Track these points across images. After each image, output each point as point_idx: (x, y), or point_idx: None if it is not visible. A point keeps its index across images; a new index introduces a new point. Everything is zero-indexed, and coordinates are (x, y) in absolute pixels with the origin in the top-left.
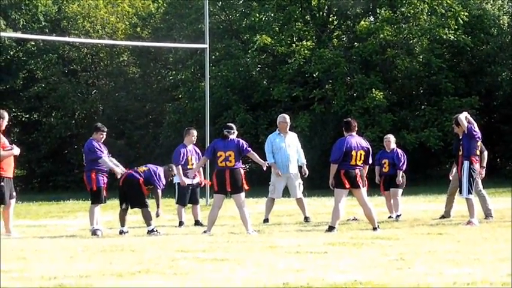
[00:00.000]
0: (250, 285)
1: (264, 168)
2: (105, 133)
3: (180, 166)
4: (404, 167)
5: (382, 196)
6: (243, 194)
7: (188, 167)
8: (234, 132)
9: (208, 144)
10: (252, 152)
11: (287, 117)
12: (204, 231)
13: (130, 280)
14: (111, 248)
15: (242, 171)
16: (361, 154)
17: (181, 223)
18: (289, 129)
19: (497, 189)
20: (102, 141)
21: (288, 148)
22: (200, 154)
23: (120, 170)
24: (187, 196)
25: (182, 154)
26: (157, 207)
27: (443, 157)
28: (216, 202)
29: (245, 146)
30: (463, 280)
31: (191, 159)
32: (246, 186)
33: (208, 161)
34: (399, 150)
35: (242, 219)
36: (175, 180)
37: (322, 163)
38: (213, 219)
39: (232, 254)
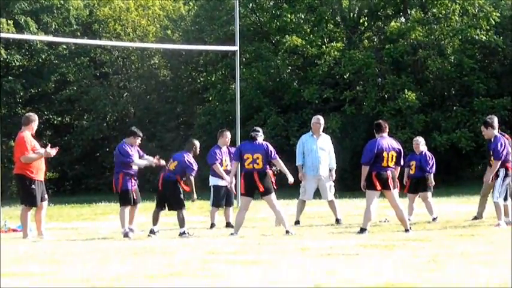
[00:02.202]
0: (281, 287)
1: (290, 180)
2: (140, 138)
3: (218, 164)
4: (433, 170)
5: (417, 198)
6: (273, 195)
7: (222, 168)
8: (261, 135)
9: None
10: (278, 159)
11: (321, 118)
12: (231, 234)
13: (162, 282)
14: (142, 250)
15: (270, 173)
16: (392, 155)
17: (212, 225)
18: (322, 131)
19: None
20: (136, 145)
21: (320, 150)
22: None
23: (152, 160)
24: (221, 198)
25: (218, 154)
26: (192, 192)
27: (475, 158)
28: (243, 205)
29: (273, 152)
30: (495, 281)
31: (225, 160)
32: (274, 186)
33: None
34: (428, 153)
35: (279, 219)
36: (211, 182)
37: (354, 165)
38: (240, 222)
39: (263, 256)
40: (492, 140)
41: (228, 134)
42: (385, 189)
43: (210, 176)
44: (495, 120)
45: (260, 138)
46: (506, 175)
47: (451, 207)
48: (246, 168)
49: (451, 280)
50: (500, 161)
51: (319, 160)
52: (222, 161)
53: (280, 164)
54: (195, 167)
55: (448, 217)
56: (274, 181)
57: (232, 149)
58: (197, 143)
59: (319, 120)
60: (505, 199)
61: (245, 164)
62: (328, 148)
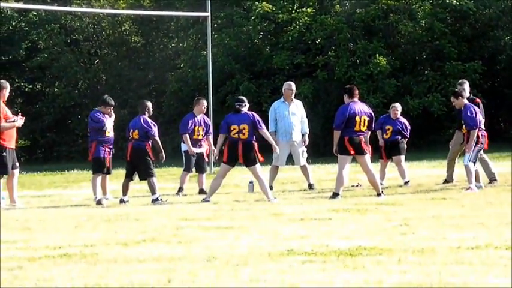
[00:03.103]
0: (254, 252)
1: (277, 151)
2: (111, 107)
3: (187, 135)
4: (408, 134)
5: (390, 162)
6: (258, 165)
7: (194, 137)
8: (245, 105)
9: (211, 117)
10: (265, 129)
11: (292, 84)
12: (204, 199)
13: (135, 249)
14: (115, 217)
15: (255, 144)
16: (364, 120)
17: (180, 189)
18: (294, 97)
19: (501, 154)
20: (108, 114)
21: (292, 116)
22: (209, 125)
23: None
24: (192, 163)
25: (190, 124)
26: (160, 151)
27: (447, 122)
28: (221, 172)
29: (260, 122)
30: (467, 244)
31: (198, 129)
32: (260, 158)
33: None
34: (404, 120)
35: (262, 189)
36: (183, 148)
37: (326, 130)
38: (215, 188)
39: (236, 222)
40: (463, 109)
41: (205, 102)
42: (358, 154)
43: (182, 142)
44: (466, 86)
45: (245, 108)
46: (476, 142)
47: (422, 171)
48: (231, 137)
49: (423, 243)
50: (477, 129)
51: (291, 126)
52: (194, 130)
53: (267, 135)
54: (155, 127)
55: (419, 181)
56: (258, 153)
57: (206, 118)
58: (149, 104)
59: (290, 86)
60: (474, 163)
61: (231, 134)
62: (301, 113)
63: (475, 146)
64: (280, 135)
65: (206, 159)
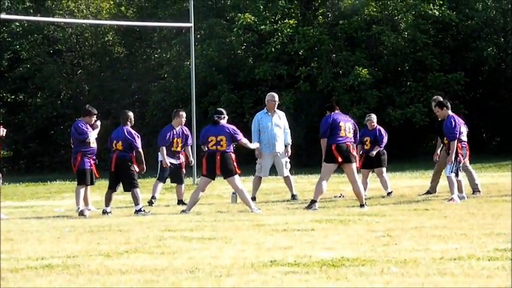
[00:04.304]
0: (238, 263)
1: (255, 146)
2: (95, 115)
3: (164, 147)
4: (383, 144)
5: (372, 173)
6: (237, 177)
7: (172, 149)
8: (224, 117)
9: (194, 128)
10: (243, 140)
11: (276, 96)
12: (183, 211)
13: (118, 260)
14: (98, 228)
15: (233, 156)
16: (349, 127)
17: (153, 197)
18: (277, 108)
19: (484, 165)
20: (92, 123)
21: (275, 127)
22: (188, 136)
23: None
24: (166, 173)
25: (168, 136)
26: (141, 163)
27: (429, 133)
28: (201, 185)
29: (237, 133)
30: (449, 255)
31: (177, 141)
32: (237, 170)
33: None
34: (381, 128)
35: (243, 200)
36: (160, 158)
37: (309, 141)
38: (194, 201)
39: (219, 233)
40: (446, 119)
41: (184, 114)
42: (346, 162)
43: (159, 152)
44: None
45: (223, 120)
46: (457, 153)
47: (404, 182)
48: (209, 149)
49: (405, 254)
50: (456, 140)
51: (274, 137)
52: (172, 142)
53: (247, 144)
54: (138, 138)
55: (402, 192)
56: (236, 165)
57: (186, 129)
58: (131, 114)
59: (274, 97)
60: (457, 175)
61: (209, 146)
62: (283, 124)
63: (456, 156)
64: (264, 147)
65: (184, 171)
